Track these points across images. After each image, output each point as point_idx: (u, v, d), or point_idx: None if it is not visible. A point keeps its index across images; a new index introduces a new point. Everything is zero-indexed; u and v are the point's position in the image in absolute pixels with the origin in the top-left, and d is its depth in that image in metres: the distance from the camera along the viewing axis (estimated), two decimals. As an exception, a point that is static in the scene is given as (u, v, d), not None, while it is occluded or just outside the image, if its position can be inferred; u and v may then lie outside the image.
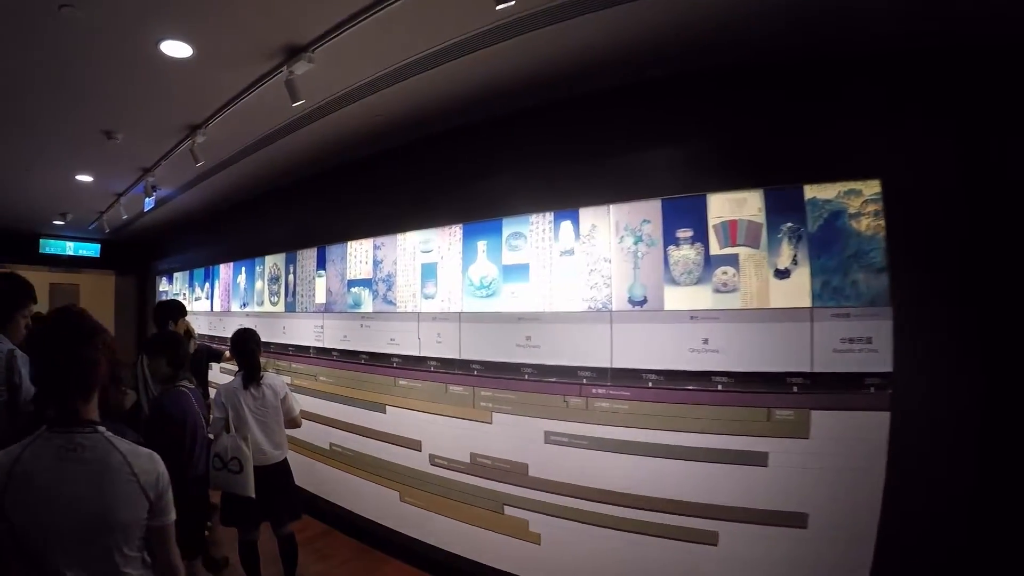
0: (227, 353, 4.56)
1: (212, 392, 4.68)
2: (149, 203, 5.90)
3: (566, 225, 3.19)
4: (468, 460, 3.55)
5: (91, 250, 9.53)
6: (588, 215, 3.11)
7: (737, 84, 2.75)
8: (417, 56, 2.92)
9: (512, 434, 3.32)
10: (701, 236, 2.72)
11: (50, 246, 9.12)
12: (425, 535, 3.80)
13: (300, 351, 5.14)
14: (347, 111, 3.63)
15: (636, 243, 2.91)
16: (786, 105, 2.60)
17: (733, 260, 2.63)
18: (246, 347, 3.43)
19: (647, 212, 2.89)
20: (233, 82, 3.29)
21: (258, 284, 5.99)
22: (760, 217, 2.57)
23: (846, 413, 2.33)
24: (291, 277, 5.38)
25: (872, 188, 2.33)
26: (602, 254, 3.03)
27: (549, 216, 3.26)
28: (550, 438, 3.16)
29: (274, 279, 5.68)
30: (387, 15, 2.50)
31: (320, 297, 4.94)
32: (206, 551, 3.05)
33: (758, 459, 2.49)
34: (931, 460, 2.20)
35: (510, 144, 3.57)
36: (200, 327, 6.98)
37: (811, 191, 2.45)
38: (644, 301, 2.87)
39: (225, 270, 6.77)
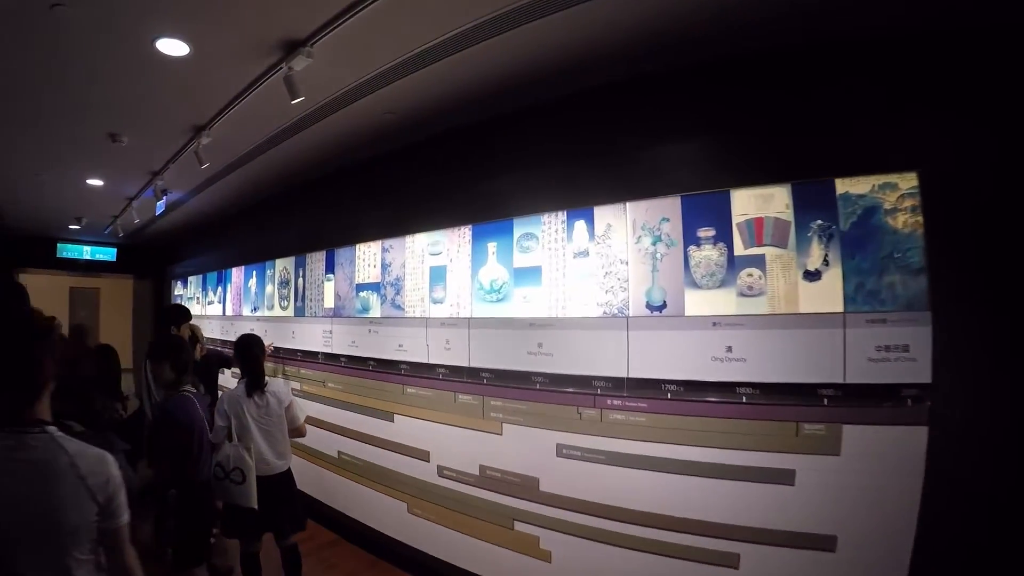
0: None
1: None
2: (160, 207, 5.96)
3: (580, 225, 3.06)
4: (477, 472, 3.44)
5: (108, 254, 9.66)
6: (603, 214, 2.97)
7: (762, 72, 2.59)
8: (421, 48, 2.81)
9: (523, 446, 3.20)
10: (724, 235, 2.56)
11: (67, 250, 9.26)
12: (433, 548, 3.70)
13: (309, 356, 5.09)
14: (353, 109, 3.55)
15: (654, 243, 2.77)
16: (814, 92, 2.43)
17: (759, 261, 2.47)
18: (249, 353, 3.35)
19: (666, 210, 2.74)
20: (233, 81, 3.23)
21: (268, 288, 5.97)
22: (788, 214, 2.41)
23: (881, 428, 2.16)
24: (300, 281, 5.35)
25: (909, 181, 2.17)
26: (618, 255, 2.89)
27: (562, 216, 3.13)
28: (562, 451, 3.03)
29: (284, 283, 5.65)
30: (386, 5, 2.41)
31: (329, 301, 4.89)
32: (210, 559, 3.01)
33: (784, 477, 2.34)
34: (973, 481, 2.03)
35: (521, 141, 3.45)
36: (212, 331, 7.04)
37: (843, 185, 2.29)
38: (663, 306, 2.72)
39: (237, 274, 6.77)
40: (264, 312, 6.02)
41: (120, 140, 4.25)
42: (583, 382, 2.95)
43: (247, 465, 2.97)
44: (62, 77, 3.21)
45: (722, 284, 2.54)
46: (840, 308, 2.27)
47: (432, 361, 3.76)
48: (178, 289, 9.04)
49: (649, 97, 2.94)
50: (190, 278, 8.46)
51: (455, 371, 3.60)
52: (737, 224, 2.53)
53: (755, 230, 2.49)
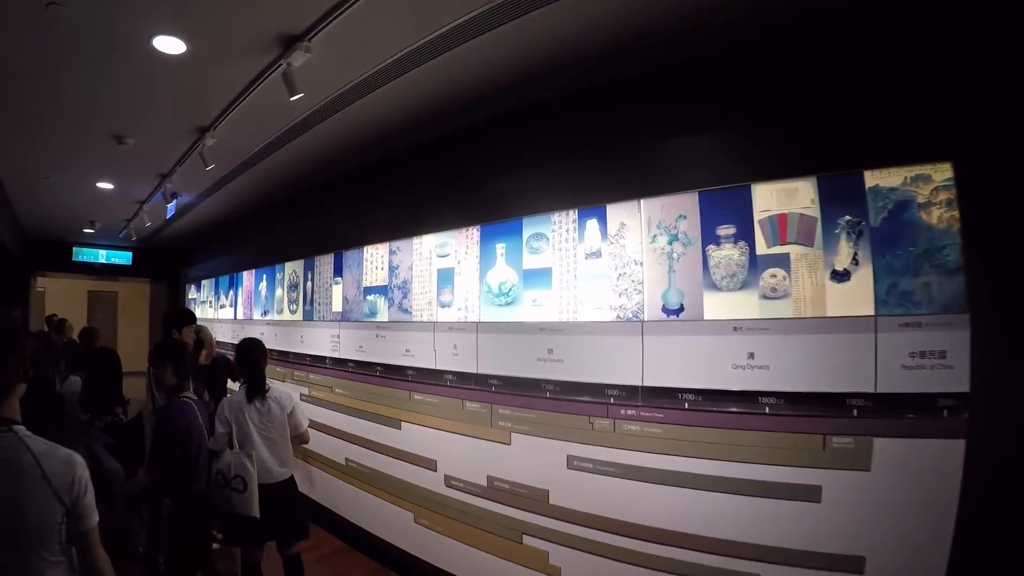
0: None
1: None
2: (170, 209, 6.02)
3: (592, 224, 2.93)
4: (485, 483, 3.33)
5: (123, 258, 9.83)
6: (616, 212, 2.84)
7: (783, 59, 2.45)
8: (423, 40, 2.74)
9: (532, 457, 3.08)
10: (746, 233, 2.42)
11: (83, 254, 9.45)
12: (439, 560, 3.61)
13: (317, 361, 5.05)
14: (357, 107, 3.50)
15: (671, 243, 2.63)
16: (840, 78, 2.29)
17: (783, 261, 2.32)
18: (250, 357, 3.27)
19: (683, 207, 2.60)
20: (233, 79, 3.22)
21: (278, 292, 5.95)
22: (814, 210, 2.27)
23: (914, 441, 2.01)
24: (309, 284, 5.32)
25: (943, 173, 2.02)
26: (632, 256, 2.76)
27: (573, 214, 3.01)
28: (573, 463, 2.90)
29: (293, 286, 5.63)
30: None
31: (337, 305, 4.83)
32: (210, 567, 2.96)
33: (810, 494, 2.19)
34: (1015, 500, 1.87)
35: (530, 138, 3.36)
36: (224, 335, 7.04)
37: (872, 178, 2.14)
38: (680, 309, 2.58)
39: (248, 277, 6.78)
40: (274, 316, 6.00)
41: (126, 142, 4.29)
42: (595, 390, 2.83)
43: (249, 473, 2.91)
44: (62, 78, 3.22)
45: (743, 286, 2.41)
46: (871, 311, 2.12)
47: (439, 367, 3.67)
48: (192, 293, 9.11)
49: (664, 89, 2.82)
50: (203, 282, 8.52)
51: (463, 377, 3.50)
52: (759, 221, 2.39)
53: (778, 227, 2.35)
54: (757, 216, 2.39)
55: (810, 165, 2.28)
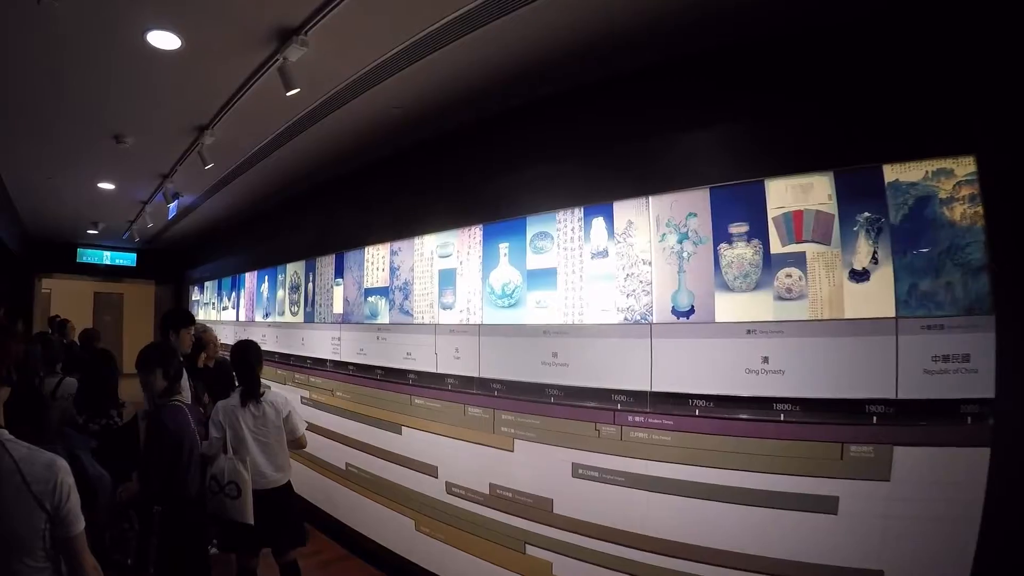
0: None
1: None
2: (172, 210, 5.98)
3: (598, 222, 2.84)
4: (487, 491, 3.24)
5: (127, 259, 9.86)
6: (624, 209, 2.74)
7: (797, 50, 2.35)
8: (423, 33, 2.65)
9: (536, 465, 3.00)
10: (759, 231, 2.32)
11: (87, 255, 9.48)
12: (440, 568, 3.53)
13: (318, 364, 4.99)
14: (358, 104, 3.43)
15: (681, 241, 2.53)
16: (857, 68, 2.19)
17: (799, 260, 2.23)
18: (244, 359, 3.20)
19: (693, 204, 2.51)
20: (230, 75, 3.16)
21: (279, 293, 5.91)
22: (830, 206, 2.18)
23: (936, 450, 1.92)
24: (310, 286, 5.27)
25: (966, 167, 1.93)
26: (640, 255, 2.66)
27: (579, 212, 2.92)
28: (578, 471, 2.81)
29: (294, 288, 5.59)
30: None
31: (338, 307, 4.78)
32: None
33: (826, 505, 2.10)
34: None
35: (534, 134, 3.28)
36: (226, 337, 6.97)
37: (892, 172, 2.05)
38: (691, 311, 2.48)
39: (250, 279, 6.76)
40: (275, 318, 5.96)
41: (125, 141, 4.26)
42: (602, 396, 2.73)
43: (243, 479, 2.83)
44: (58, 76, 3.19)
45: (757, 286, 2.31)
46: (891, 312, 2.02)
47: (441, 371, 3.59)
48: (195, 294, 9.11)
49: (673, 82, 2.72)
50: (206, 283, 8.52)
51: (464, 382, 3.42)
52: (773, 218, 2.30)
53: (794, 225, 2.25)
54: (771, 213, 2.30)
55: (826, 159, 2.19)
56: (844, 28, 2.22)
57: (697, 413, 2.41)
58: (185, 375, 3.34)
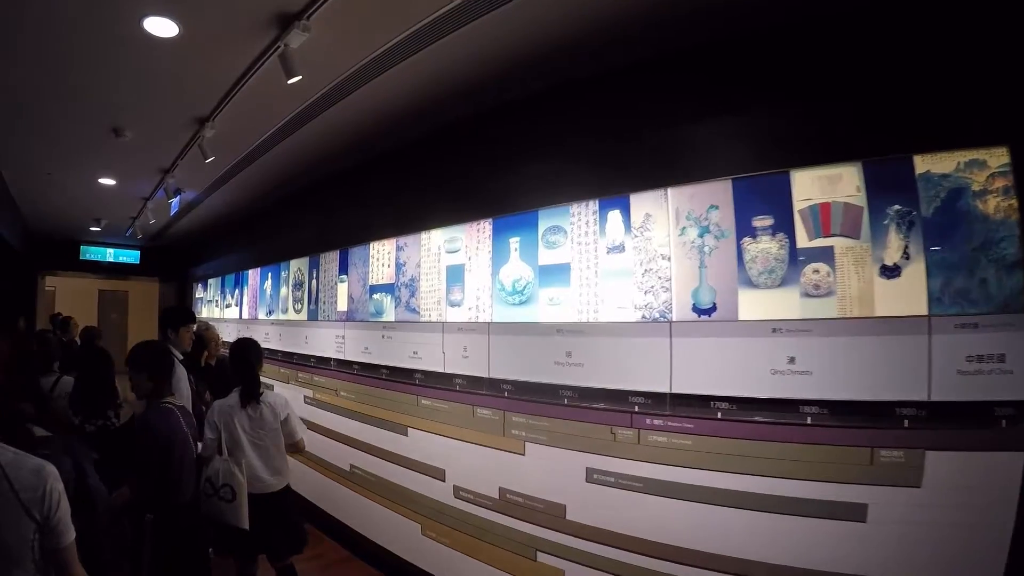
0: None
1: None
2: (174, 206, 5.92)
3: (614, 215, 2.73)
4: (497, 496, 3.14)
5: (131, 257, 9.85)
6: (641, 202, 2.64)
7: (824, 34, 2.25)
8: (430, 18, 2.55)
9: (548, 469, 2.90)
10: (785, 224, 2.22)
11: (90, 253, 9.48)
12: (446, 574, 3.45)
13: (321, 363, 4.91)
14: (362, 94, 3.33)
15: (701, 235, 2.43)
16: (885, 54, 2.09)
17: (827, 254, 2.13)
18: (243, 357, 3.11)
19: (715, 196, 2.40)
20: (229, 64, 3.07)
21: (283, 290, 5.84)
22: (859, 198, 2.08)
23: (970, 455, 1.85)
24: (314, 283, 5.19)
25: (999, 158, 1.85)
26: (659, 250, 2.56)
27: (593, 205, 2.81)
28: (593, 476, 2.71)
29: (298, 285, 5.51)
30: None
31: (342, 304, 4.69)
32: None
33: (854, 512, 2.01)
34: None
35: (547, 124, 3.17)
36: (229, 335, 6.92)
37: (923, 163, 1.96)
38: (713, 309, 2.38)
39: (253, 276, 6.69)
40: (279, 316, 5.89)
41: (124, 135, 4.19)
42: (618, 397, 2.63)
43: (238, 482, 2.73)
44: (52, 66, 3.13)
45: (783, 282, 2.21)
46: (924, 310, 1.94)
47: (448, 370, 3.50)
48: (199, 292, 9.07)
49: (694, 69, 2.61)
50: (209, 281, 8.48)
51: (473, 382, 3.32)
52: (799, 211, 2.20)
53: (821, 218, 2.16)
54: (797, 205, 2.20)
55: (855, 149, 2.10)
56: (874, 12, 2.11)
57: (719, 416, 2.32)
58: (185, 374, 3.26)
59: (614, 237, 2.72)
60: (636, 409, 2.56)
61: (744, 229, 2.31)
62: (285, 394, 5.31)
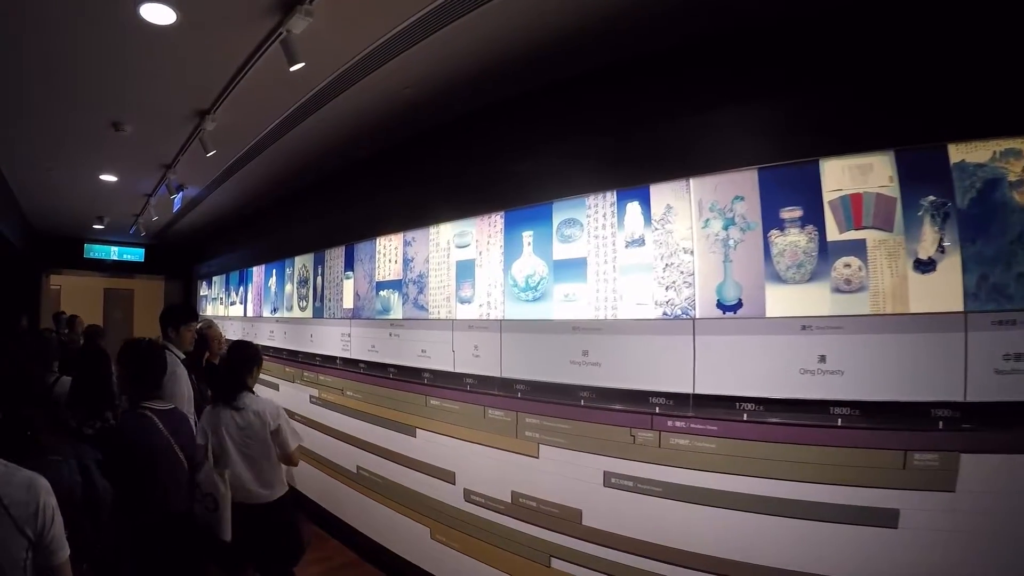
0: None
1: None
2: (176, 202, 5.86)
3: (633, 207, 2.63)
4: (509, 500, 3.05)
5: (135, 255, 9.83)
6: (661, 193, 2.53)
7: (852, 16, 2.14)
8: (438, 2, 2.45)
9: (563, 472, 2.80)
10: (814, 216, 2.12)
11: (94, 251, 9.46)
12: None
13: (327, 361, 4.82)
14: (368, 84, 3.23)
15: (726, 227, 2.32)
16: (918, 37, 1.99)
17: (859, 248, 2.03)
18: (228, 357, 3.03)
19: (740, 186, 2.30)
20: (230, 52, 2.98)
21: (287, 287, 5.77)
22: (892, 188, 1.98)
23: (1006, 458, 1.76)
24: (319, 279, 5.11)
25: None
26: (681, 243, 2.45)
27: (611, 197, 2.71)
28: (611, 480, 2.62)
29: (303, 282, 5.43)
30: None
31: (348, 301, 4.60)
32: None
33: (885, 518, 1.92)
34: None
35: (561, 114, 3.08)
36: (235, 334, 6.87)
37: (958, 152, 1.87)
38: (738, 305, 2.28)
39: (258, 273, 6.62)
40: (283, 313, 5.81)
41: (123, 129, 4.12)
42: (638, 398, 2.53)
43: (220, 493, 2.57)
44: (48, 58, 3.05)
45: (812, 277, 2.12)
46: (960, 307, 1.84)
47: (458, 370, 3.41)
48: (203, 289, 9.03)
49: (718, 54, 2.51)
50: (214, 278, 8.42)
51: (484, 382, 3.23)
52: (829, 202, 2.10)
53: (852, 209, 2.06)
54: (827, 196, 2.11)
55: (887, 136, 2.00)
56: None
57: (745, 418, 2.22)
58: (184, 375, 3.16)
59: (633, 230, 2.62)
60: (657, 410, 2.46)
61: (771, 221, 2.21)
62: (290, 394, 5.32)
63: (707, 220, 2.37)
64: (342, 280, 4.70)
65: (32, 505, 1.37)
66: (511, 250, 3.15)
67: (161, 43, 2.84)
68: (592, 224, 2.78)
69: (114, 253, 9.56)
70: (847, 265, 2.05)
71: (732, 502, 2.23)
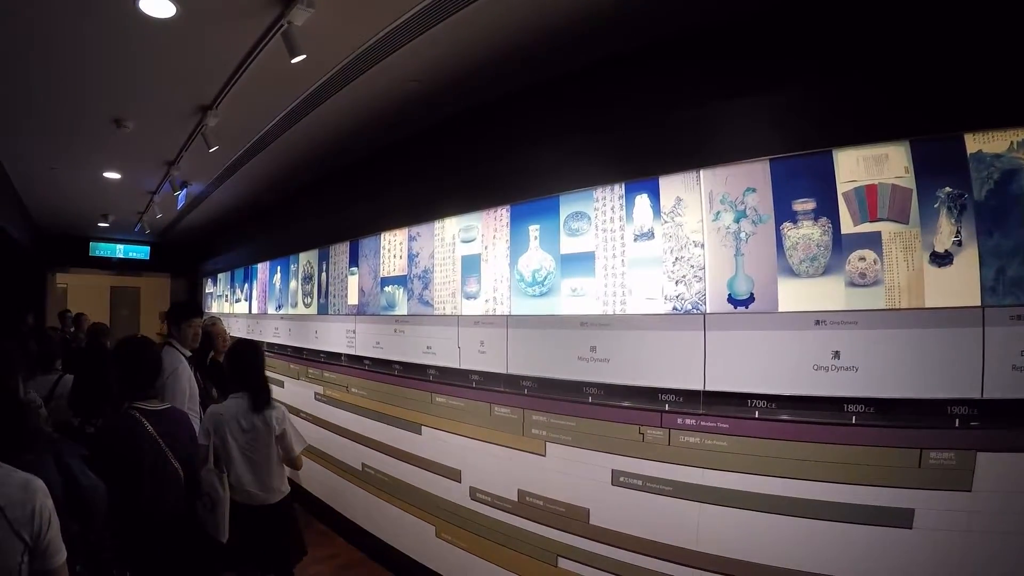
0: None
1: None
2: (180, 199, 5.83)
3: (642, 200, 2.57)
4: (515, 498, 3.01)
5: (141, 252, 9.84)
6: (671, 185, 2.47)
7: (867, 2, 2.09)
8: None
9: (570, 471, 2.76)
10: (828, 208, 2.07)
11: (100, 249, 9.48)
12: None
13: (332, 358, 4.80)
14: (372, 77, 3.18)
15: (737, 220, 2.27)
16: (934, 23, 1.94)
17: (873, 240, 1.98)
18: (246, 363, 2.92)
19: (751, 178, 2.24)
20: (231, 46, 2.94)
21: (292, 284, 5.74)
22: (908, 179, 1.93)
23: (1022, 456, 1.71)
24: (324, 276, 5.08)
25: None
26: (691, 236, 2.40)
27: (619, 189, 2.66)
28: (619, 479, 2.57)
29: (307, 278, 5.40)
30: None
31: (352, 298, 4.57)
32: None
33: (900, 518, 1.88)
34: None
35: (567, 105, 3.03)
36: (238, 331, 6.89)
37: (974, 142, 1.82)
38: (750, 299, 2.23)
39: (262, 270, 6.60)
40: (288, 310, 5.79)
41: (125, 125, 4.09)
42: (647, 395, 2.48)
43: (218, 495, 2.53)
44: (47, 54, 3.03)
45: (826, 271, 2.07)
46: (977, 301, 1.80)
47: (464, 366, 3.36)
48: (209, 287, 9.04)
49: (728, 42, 2.45)
50: (219, 275, 8.43)
51: (490, 378, 3.18)
52: (844, 194, 2.04)
53: (867, 201, 2.01)
54: (841, 188, 2.06)
55: (902, 126, 1.95)
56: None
57: (757, 415, 2.17)
58: (184, 373, 3.12)
59: (642, 223, 2.56)
60: (666, 408, 2.41)
61: (784, 213, 2.16)
62: (295, 391, 5.30)
63: (718, 213, 2.32)
64: (346, 276, 4.67)
65: (28, 507, 1.34)
66: (517, 244, 3.10)
67: (161, 37, 2.80)
68: (600, 217, 2.73)
69: (120, 251, 9.58)
70: (862, 258, 2.00)
71: (743, 501, 2.19)
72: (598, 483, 2.63)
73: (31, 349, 3.43)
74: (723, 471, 2.24)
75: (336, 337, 4.73)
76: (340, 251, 4.79)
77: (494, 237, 3.24)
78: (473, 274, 3.37)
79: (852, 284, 2.01)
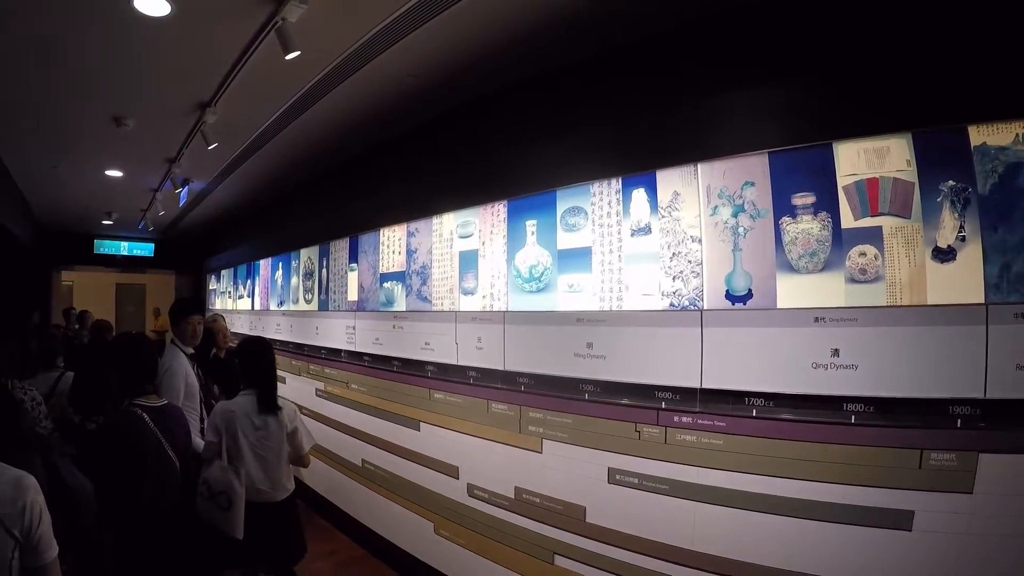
0: None
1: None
2: (182, 196, 5.86)
3: (639, 195, 2.54)
4: (512, 495, 3.00)
5: (145, 249, 9.89)
6: (668, 179, 2.44)
7: None
8: None
9: (567, 468, 2.74)
10: (828, 203, 2.04)
11: (104, 246, 9.54)
12: (461, 575, 3.34)
13: (332, 354, 4.80)
14: (369, 73, 3.19)
15: (735, 215, 2.24)
16: (934, 12, 1.92)
17: (874, 235, 1.95)
18: (257, 363, 2.90)
19: (750, 172, 2.21)
20: (227, 43, 2.95)
21: (293, 280, 5.75)
22: (910, 173, 1.89)
23: None
24: (324, 272, 5.08)
25: None
26: (688, 231, 2.37)
27: (616, 184, 2.63)
28: (615, 477, 2.55)
29: (308, 274, 5.40)
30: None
31: (352, 294, 4.57)
32: None
33: (899, 520, 1.85)
34: None
35: (564, 100, 3.01)
36: (242, 328, 6.90)
37: (978, 135, 1.78)
38: (748, 296, 2.20)
39: (264, 266, 6.62)
40: (289, 306, 5.81)
41: (125, 124, 4.12)
42: (643, 392, 2.46)
43: (235, 492, 2.56)
44: (45, 54, 3.05)
45: (826, 267, 2.04)
46: (980, 298, 1.76)
47: (462, 363, 3.35)
48: (212, 283, 9.06)
49: (725, 34, 2.42)
50: (222, 272, 8.44)
51: (487, 375, 3.17)
52: (844, 187, 2.01)
53: (868, 195, 1.97)
54: (841, 181, 2.02)
55: (904, 118, 1.90)
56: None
57: (754, 414, 2.15)
58: (183, 370, 3.11)
59: (639, 218, 2.53)
60: (663, 405, 2.39)
61: (783, 208, 2.13)
62: (296, 387, 5.30)
63: (716, 207, 2.28)
64: (346, 272, 4.67)
65: (19, 503, 1.34)
66: (514, 240, 3.08)
67: (157, 35, 2.81)
68: (597, 212, 2.70)
69: (124, 248, 9.64)
70: (862, 254, 1.97)
71: (740, 501, 2.17)
72: (594, 481, 2.61)
73: (32, 347, 3.44)
74: (720, 470, 2.21)
75: (336, 333, 4.73)
76: (340, 247, 4.79)
77: (491, 232, 3.22)
78: (470, 270, 3.35)
79: (852, 280, 1.97)
